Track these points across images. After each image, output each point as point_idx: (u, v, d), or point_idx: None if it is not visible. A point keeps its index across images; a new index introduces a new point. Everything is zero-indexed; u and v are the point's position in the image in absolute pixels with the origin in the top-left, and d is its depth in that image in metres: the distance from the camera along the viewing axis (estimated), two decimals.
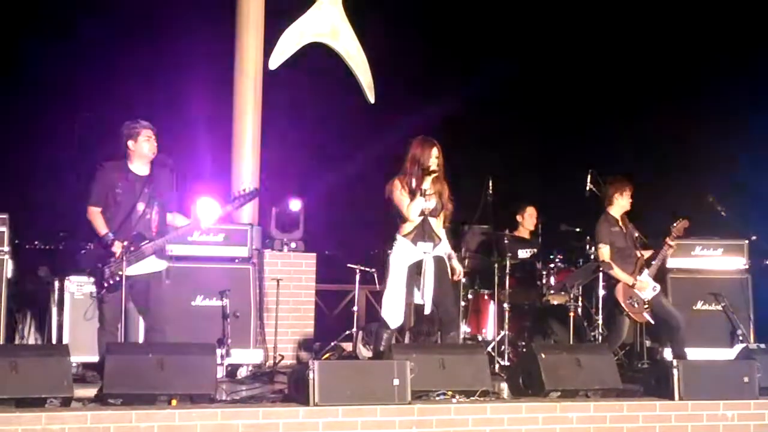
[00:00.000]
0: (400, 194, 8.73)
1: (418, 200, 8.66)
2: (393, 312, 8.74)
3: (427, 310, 8.77)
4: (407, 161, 8.80)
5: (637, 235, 10.40)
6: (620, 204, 10.31)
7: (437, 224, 8.83)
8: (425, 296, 8.71)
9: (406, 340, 9.77)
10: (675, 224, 10.36)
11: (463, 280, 10.98)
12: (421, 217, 8.71)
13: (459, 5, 14.77)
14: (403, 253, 8.74)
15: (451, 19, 15.10)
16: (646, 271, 10.23)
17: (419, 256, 8.71)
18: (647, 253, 10.43)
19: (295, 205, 11.29)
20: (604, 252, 10.22)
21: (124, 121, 8.63)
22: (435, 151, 8.76)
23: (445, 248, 8.89)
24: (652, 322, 10.32)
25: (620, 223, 10.32)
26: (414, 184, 8.73)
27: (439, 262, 8.78)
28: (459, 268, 9.03)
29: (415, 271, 8.72)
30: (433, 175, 8.69)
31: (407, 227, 8.75)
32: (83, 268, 8.49)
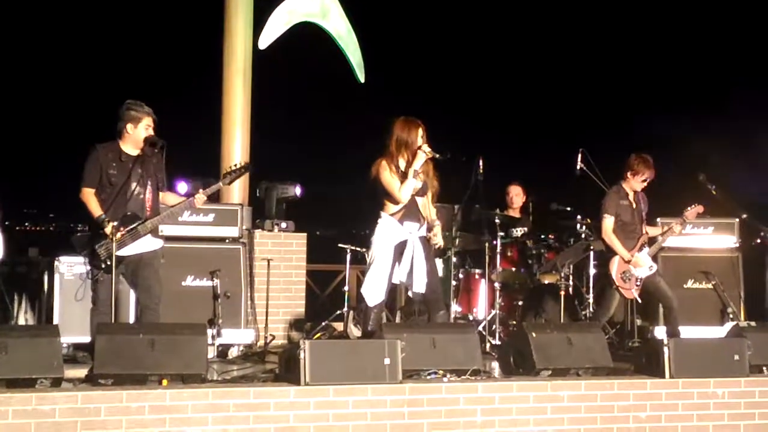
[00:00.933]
0: (390, 176, 8.67)
1: (410, 181, 8.63)
2: (373, 290, 8.71)
3: (422, 289, 8.73)
4: (392, 143, 8.74)
5: (646, 212, 10.33)
6: (631, 183, 10.21)
7: (423, 203, 8.82)
8: (418, 276, 8.68)
9: (397, 320, 9.75)
10: (689, 209, 10.32)
11: (454, 259, 11.00)
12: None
13: None
14: (388, 232, 8.71)
15: None
16: (646, 249, 10.19)
17: (405, 236, 8.70)
18: (653, 231, 10.39)
19: (299, 191, 11.30)
20: (607, 224, 10.12)
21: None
22: (420, 131, 8.73)
23: (425, 227, 8.86)
24: (639, 300, 10.31)
25: (630, 197, 10.23)
26: (404, 166, 8.70)
27: (424, 241, 8.78)
28: (439, 241, 8.99)
29: (399, 250, 8.70)
30: (425, 154, 8.65)
31: (394, 207, 8.71)
32: (78, 249, 8.46)
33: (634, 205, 10.21)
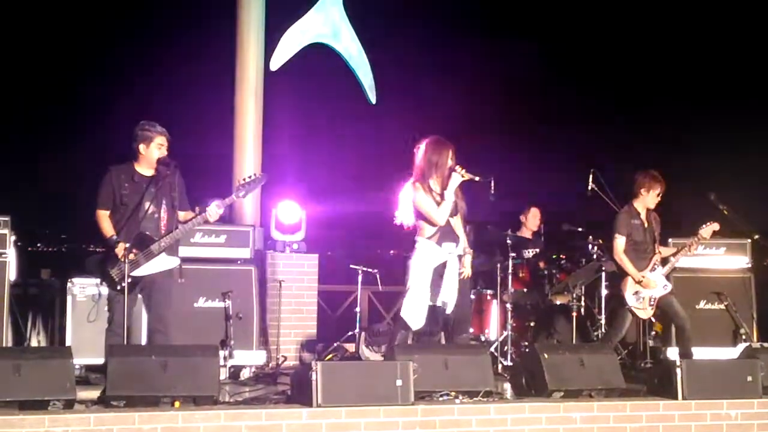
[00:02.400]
0: (425, 198, 8.66)
1: (448, 203, 8.61)
2: (415, 314, 8.71)
3: (450, 310, 8.78)
4: (424, 164, 8.73)
5: (658, 232, 10.27)
6: (645, 200, 10.13)
7: (455, 223, 8.82)
8: (449, 296, 8.71)
9: (409, 341, 9.72)
10: (704, 227, 10.18)
11: None
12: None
13: None
14: (427, 255, 8.70)
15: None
16: (659, 269, 10.10)
17: (444, 257, 8.70)
18: (666, 251, 10.32)
19: (294, 212, 11.29)
20: (619, 243, 10.04)
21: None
22: (450, 152, 8.73)
23: (463, 246, 8.90)
24: (653, 320, 10.27)
25: (642, 217, 10.17)
26: (436, 187, 8.70)
27: (458, 262, 8.81)
28: (468, 270, 9.04)
29: (439, 272, 8.71)
30: (460, 176, 8.62)
31: (430, 230, 8.70)
32: (92, 271, 8.47)
33: (646, 225, 10.14)
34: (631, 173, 10.21)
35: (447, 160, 8.70)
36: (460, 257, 8.86)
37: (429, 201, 8.65)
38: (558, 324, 11.22)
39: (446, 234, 8.71)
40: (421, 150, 8.79)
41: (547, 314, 11.29)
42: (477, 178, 8.71)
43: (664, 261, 10.21)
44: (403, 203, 8.76)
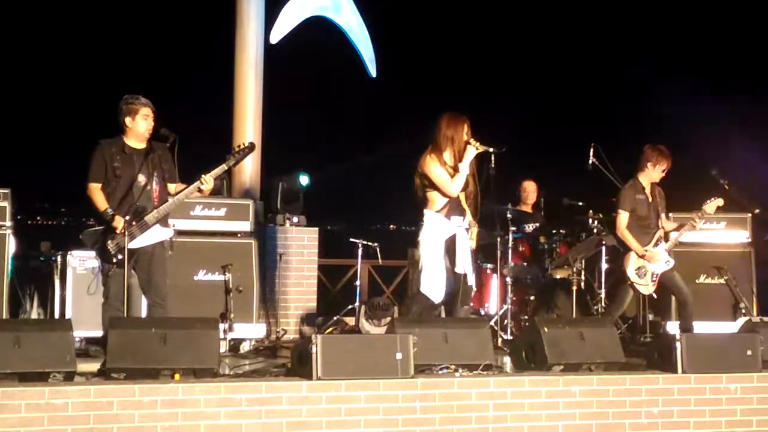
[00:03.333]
0: (440, 170, 8.74)
1: (462, 175, 8.70)
2: (436, 287, 8.78)
3: (471, 281, 8.86)
4: (440, 137, 8.81)
5: (663, 207, 10.24)
6: (650, 174, 10.10)
7: (463, 198, 8.87)
8: (465, 267, 8.78)
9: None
10: (708, 202, 10.16)
11: None
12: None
13: None
14: (437, 228, 8.78)
15: None
16: (662, 244, 10.08)
17: (453, 230, 8.77)
18: (669, 226, 10.29)
19: (304, 180, 11.29)
20: (622, 219, 10.02)
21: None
22: (466, 127, 8.81)
23: (469, 220, 8.96)
24: (655, 296, 10.26)
25: (647, 191, 10.15)
26: (450, 160, 8.77)
27: (466, 234, 8.87)
28: (473, 243, 9.08)
29: (449, 244, 8.77)
30: (475, 148, 8.70)
31: (440, 203, 8.78)
32: (88, 245, 8.46)
33: (651, 199, 10.11)
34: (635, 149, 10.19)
35: (462, 134, 8.78)
36: (467, 230, 8.89)
37: (443, 173, 8.72)
38: (558, 298, 11.23)
39: (455, 207, 8.78)
40: (437, 124, 8.85)
41: (547, 288, 11.29)
42: (491, 150, 8.77)
43: (667, 236, 10.18)
44: (419, 174, 8.84)
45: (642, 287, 10.05)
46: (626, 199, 10.03)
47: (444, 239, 8.77)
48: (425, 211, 8.84)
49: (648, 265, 10.01)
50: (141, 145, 8.47)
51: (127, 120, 8.43)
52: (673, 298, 10.45)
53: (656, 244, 10.04)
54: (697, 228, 10.32)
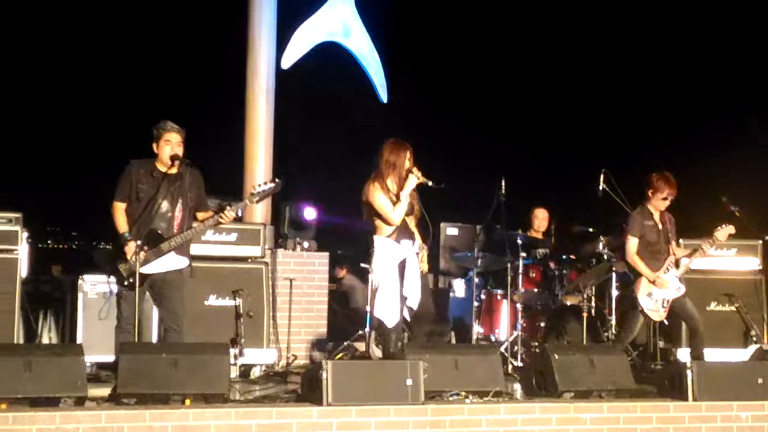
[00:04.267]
0: (383, 198, 8.85)
1: (403, 204, 8.80)
2: (389, 311, 8.87)
3: (416, 305, 8.93)
4: (382, 165, 8.94)
5: (673, 233, 10.21)
6: (653, 202, 10.12)
7: (411, 223, 8.99)
8: (413, 292, 8.88)
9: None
10: (719, 229, 10.12)
11: (476, 280, 10.98)
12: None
13: None
14: (388, 253, 8.88)
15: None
16: (673, 270, 10.07)
17: (404, 254, 8.86)
18: (680, 252, 10.28)
19: (310, 213, 11.32)
20: (631, 245, 10.01)
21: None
22: (408, 154, 8.94)
23: (418, 244, 9.06)
24: (666, 322, 10.24)
25: (655, 218, 10.15)
26: (393, 188, 8.88)
27: (416, 258, 8.98)
28: (425, 265, 9.16)
29: (401, 269, 8.87)
30: (416, 178, 8.81)
31: (388, 228, 8.89)
32: (101, 265, 8.48)
33: (660, 226, 10.10)
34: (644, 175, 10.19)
35: (405, 160, 8.89)
36: (417, 254, 9.00)
37: (385, 200, 8.82)
38: (568, 324, 11.20)
39: (403, 231, 8.88)
40: (380, 151, 8.98)
41: (558, 315, 11.27)
42: (430, 183, 8.88)
43: (678, 262, 10.17)
44: (363, 202, 8.98)
45: (653, 313, 10.03)
46: (634, 225, 10.04)
47: (396, 263, 8.85)
48: (375, 237, 8.95)
49: (659, 291, 9.99)
50: (171, 170, 8.48)
51: (154, 146, 8.47)
52: (684, 324, 10.44)
53: (667, 270, 10.03)
54: (707, 254, 10.30)
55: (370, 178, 8.95)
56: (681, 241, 10.60)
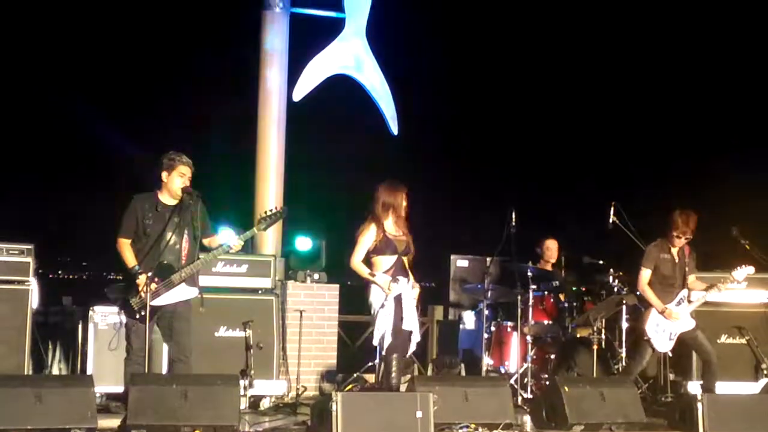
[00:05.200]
0: (366, 240, 8.97)
1: (377, 277, 8.89)
2: (385, 342, 8.89)
3: (417, 338, 8.99)
4: (378, 207, 9.05)
5: (691, 267, 10.19)
6: (669, 238, 10.13)
7: (406, 260, 9.08)
8: (412, 325, 8.91)
9: (429, 372, 9.74)
10: (738, 269, 10.08)
11: (486, 312, 10.98)
12: (396, 256, 8.95)
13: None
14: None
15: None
16: (684, 304, 10.05)
17: (399, 290, 8.90)
18: (698, 286, 10.23)
19: (302, 243, 11.33)
20: (644, 276, 10.03)
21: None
22: (403, 195, 9.09)
23: (411, 282, 9.11)
24: (670, 354, 10.19)
25: (674, 252, 10.16)
26: (390, 228, 9.00)
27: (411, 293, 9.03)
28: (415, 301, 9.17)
29: (398, 303, 8.91)
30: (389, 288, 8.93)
31: (385, 264, 8.97)
32: (112, 300, 8.49)
33: (677, 260, 10.11)
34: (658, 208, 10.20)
35: (401, 201, 9.05)
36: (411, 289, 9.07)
37: (367, 243, 8.94)
38: (578, 357, 11.18)
39: (399, 269, 8.98)
40: (376, 193, 9.11)
41: (568, 347, 11.25)
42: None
43: (691, 297, 10.12)
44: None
45: (658, 344, 10.01)
46: (649, 257, 10.07)
47: (392, 297, 8.89)
48: (374, 271, 8.99)
49: (667, 323, 9.98)
50: (172, 201, 8.50)
51: (164, 174, 8.48)
52: (695, 357, 10.42)
53: (679, 304, 10.02)
54: (722, 291, 10.27)
55: (367, 218, 9.06)
56: (693, 276, 10.54)
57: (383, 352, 8.89)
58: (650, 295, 10.00)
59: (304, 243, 11.37)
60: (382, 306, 8.87)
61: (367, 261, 9.01)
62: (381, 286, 8.84)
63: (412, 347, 9.00)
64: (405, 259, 9.06)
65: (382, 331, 8.86)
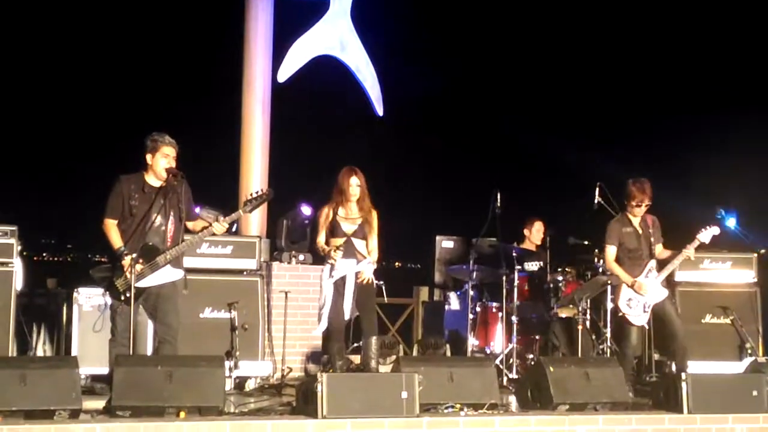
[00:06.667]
0: (318, 222, 9.49)
1: (333, 253, 9.24)
2: (323, 320, 9.32)
3: (346, 316, 9.31)
4: (334, 191, 9.42)
5: (657, 237, 10.19)
6: (630, 209, 10.15)
7: (360, 245, 9.35)
8: (346, 305, 9.23)
9: (414, 353, 9.73)
10: (702, 230, 10.05)
11: (471, 292, 11.00)
12: (345, 238, 9.28)
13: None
14: (329, 269, 9.33)
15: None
16: (654, 275, 10.07)
17: (343, 272, 9.24)
18: (665, 255, 10.22)
19: (306, 210, 11.31)
20: (609, 252, 10.07)
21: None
22: (354, 179, 9.36)
23: (369, 264, 9.37)
24: (646, 326, 10.18)
25: (635, 224, 10.16)
26: (342, 212, 9.35)
27: (358, 275, 9.30)
28: (366, 275, 9.37)
29: (341, 285, 9.26)
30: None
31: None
32: (97, 281, 8.47)
33: (641, 231, 10.12)
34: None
35: (348, 186, 9.36)
36: (358, 273, 9.33)
37: (319, 224, 9.45)
38: (563, 337, 11.20)
39: (347, 252, 9.28)
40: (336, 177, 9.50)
41: (553, 327, 11.27)
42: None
43: (661, 266, 10.13)
44: None
45: (634, 318, 10.00)
46: (612, 233, 10.10)
47: (333, 281, 9.28)
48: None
49: (638, 297, 9.99)
50: (158, 182, 8.46)
51: (148, 156, 8.45)
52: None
53: (647, 275, 10.02)
54: (692, 258, 10.22)
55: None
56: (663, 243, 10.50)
57: (320, 336, 9.48)
58: (618, 270, 10.02)
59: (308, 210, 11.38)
60: (324, 288, 9.30)
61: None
62: (328, 256, 9.24)
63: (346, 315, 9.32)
64: (359, 241, 9.32)
65: (320, 313, 9.32)
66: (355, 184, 9.34)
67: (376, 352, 9.30)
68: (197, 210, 8.86)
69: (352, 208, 9.37)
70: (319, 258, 9.78)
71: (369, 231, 9.38)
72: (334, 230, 9.32)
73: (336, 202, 9.39)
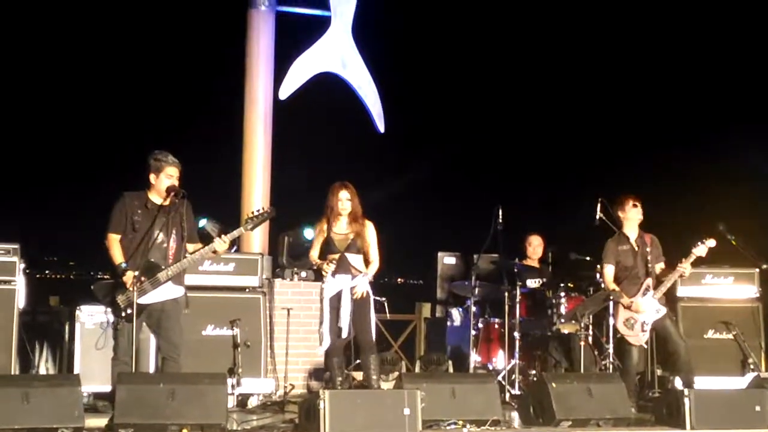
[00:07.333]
0: (314, 238, 9.49)
1: (325, 266, 9.26)
2: (323, 335, 9.21)
3: (344, 335, 9.18)
4: (325, 205, 9.41)
5: (655, 255, 10.19)
6: (629, 221, 10.15)
7: (355, 259, 9.26)
8: (343, 322, 9.13)
9: (417, 369, 9.72)
10: (697, 245, 10.00)
11: (474, 308, 11.00)
12: (339, 254, 9.22)
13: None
14: (327, 284, 9.27)
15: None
16: (650, 293, 10.05)
17: (339, 287, 9.16)
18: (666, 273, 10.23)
19: (309, 234, 11.32)
20: (607, 272, 10.10)
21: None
22: (343, 193, 9.33)
23: (363, 278, 9.29)
24: (645, 346, 10.17)
25: (631, 241, 10.17)
26: (335, 226, 9.32)
27: (353, 290, 9.23)
28: (361, 289, 9.28)
29: (336, 301, 9.19)
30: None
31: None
32: (99, 297, 8.48)
33: (637, 248, 10.13)
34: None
35: (336, 201, 9.32)
36: (352, 288, 9.25)
37: (315, 240, 9.44)
38: (566, 353, 11.20)
39: (341, 268, 9.23)
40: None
41: (555, 343, 11.27)
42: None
43: (658, 284, 10.13)
44: None
45: (632, 338, 10.00)
46: (608, 252, 10.12)
47: (329, 296, 9.22)
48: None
49: (636, 316, 9.98)
50: (161, 200, 8.49)
51: (152, 176, 8.49)
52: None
53: (644, 294, 10.01)
54: (686, 274, 10.21)
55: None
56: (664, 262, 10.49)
57: (323, 355, 9.33)
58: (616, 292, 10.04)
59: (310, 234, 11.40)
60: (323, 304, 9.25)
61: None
62: (323, 270, 9.26)
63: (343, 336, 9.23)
64: (353, 255, 9.27)
65: (323, 331, 9.21)
66: (344, 198, 9.30)
67: (375, 369, 9.26)
68: (202, 221, 8.89)
69: (344, 222, 9.33)
70: (321, 274, 9.77)
71: (363, 244, 9.32)
72: (328, 246, 9.30)
73: (328, 217, 9.38)
